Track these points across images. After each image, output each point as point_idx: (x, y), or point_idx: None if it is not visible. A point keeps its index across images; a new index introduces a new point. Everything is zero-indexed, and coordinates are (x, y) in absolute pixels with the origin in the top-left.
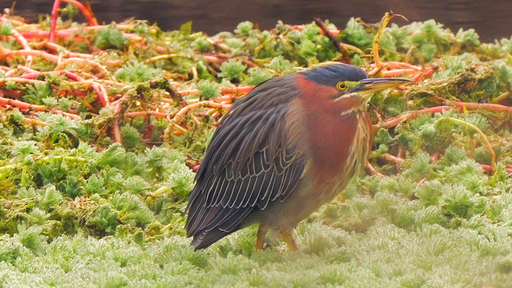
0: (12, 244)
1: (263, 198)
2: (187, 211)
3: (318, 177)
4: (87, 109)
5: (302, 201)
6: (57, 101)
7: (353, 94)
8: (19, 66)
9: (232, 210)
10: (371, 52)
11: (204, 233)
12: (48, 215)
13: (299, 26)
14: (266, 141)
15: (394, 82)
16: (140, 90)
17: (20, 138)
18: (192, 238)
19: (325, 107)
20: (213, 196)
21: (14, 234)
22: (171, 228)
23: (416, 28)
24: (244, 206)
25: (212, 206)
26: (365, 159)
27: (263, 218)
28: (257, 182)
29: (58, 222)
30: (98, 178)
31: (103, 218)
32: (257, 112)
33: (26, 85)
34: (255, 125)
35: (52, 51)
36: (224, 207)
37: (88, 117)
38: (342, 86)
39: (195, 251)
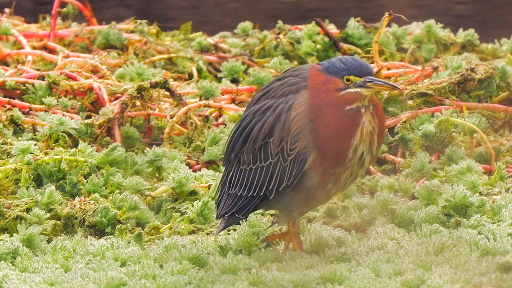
0: (12, 244)
1: (270, 188)
2: (217, 193)
3: (322, 168)
4: (87, 109)
5: (311, 192)
6: (57, 101)
7: (356, 90)
8: (19, 66)
9: (244, 198)
10: (371, 52)
11: (225, 217)
12: (48, 215)
13: (299, 26)
14: (272, 131)
15: (388, 86)
16: (140, 90)
17: (20, 138)
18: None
19: (330, 99)
20: (231, 183)
21: (14, 234)
22: (171, 228)
23: (416, 28)
24: (254, 195)
25: (231, 192)
26: (376, 151)
27: (275, 208)
28: (265, 171)
29: (58, 222)
30: (98, 178)
31: (103, 218)
32: (268, 102)
33: (26, 85)
34: (264, 114)
35: (52, 51)
36: (239, 194)
37: (88, 117)
38: (348, 80)
39: (218, 233)
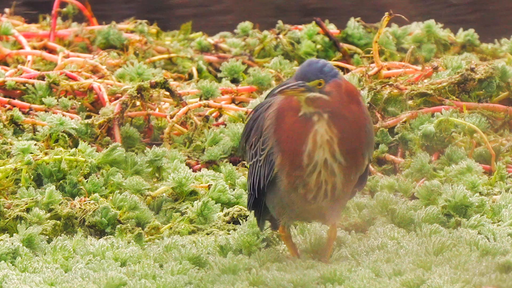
0: (12, 244)
1: (255, 187)
2: None
3: (286, 170)
4: (87, 109)
5: (285, 195)
6: (57, 101)
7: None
8: (19, 66)
9: (248, 194)
10: (371, 52)
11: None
12: (48, 215)
13: (299, 26)
14: (252, 130)
15: (292, 90)
16: (140, 90)
17: (20, 138)
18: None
19: (293, 102)
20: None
21: (14, 234)
22: (171, 228)
23: (416, 28)
24: (250, 193)
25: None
26: (346, 159)
27: (269, 209)
28: (251, 170)
29: (58, 222)
30: (98, 178)
31: (103, 218)
32: (263, 101)
33: (26, 85)
34: (254, 112)
35: (52, 51)
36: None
37: (88, 117)
38: None
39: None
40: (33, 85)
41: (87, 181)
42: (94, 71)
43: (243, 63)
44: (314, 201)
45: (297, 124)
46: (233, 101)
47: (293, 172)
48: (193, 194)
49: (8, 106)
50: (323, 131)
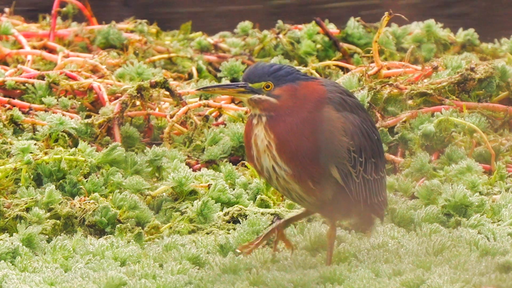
0: (12, 243)
1: None
2: None
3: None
4: (87, 108)
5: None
6: (57, 100)
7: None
8: (19, 66)
9: None
10: (371, 52)
11: None
12: (48, 214)
13: (299, 26)
14: None
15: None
16: (140, 89)
17: (20, 138)
18: None
19: None
20: None
21: (14, 233)
22: (170, 228)
23: (416, 28)
24: None
25: None
26: (290, 168)
27: None
28: None
29: (58, 221)
30: (97, 178)
31: (102, 218)
32: None
33: (26, 84)
34: None
35: (52, 50)
36: None
37: (88, 116)
38: None
39: None
40: (33, 84)
41: (87, 181)
42: (94, 70)
43: (242, 62)
44: (298, 203)
45: (246, 127)
46: (232, 100)
47: (260, 175)
48: (193, 193)
49: (8, 106)
50: (263, 135)
